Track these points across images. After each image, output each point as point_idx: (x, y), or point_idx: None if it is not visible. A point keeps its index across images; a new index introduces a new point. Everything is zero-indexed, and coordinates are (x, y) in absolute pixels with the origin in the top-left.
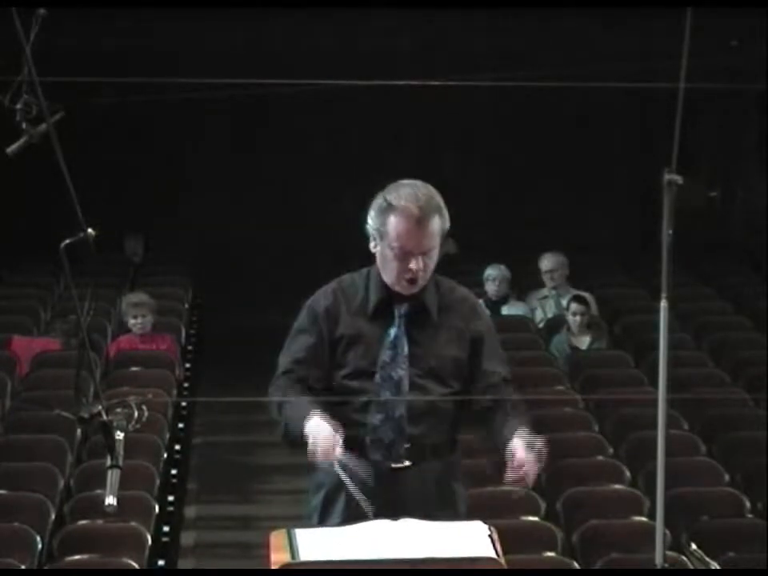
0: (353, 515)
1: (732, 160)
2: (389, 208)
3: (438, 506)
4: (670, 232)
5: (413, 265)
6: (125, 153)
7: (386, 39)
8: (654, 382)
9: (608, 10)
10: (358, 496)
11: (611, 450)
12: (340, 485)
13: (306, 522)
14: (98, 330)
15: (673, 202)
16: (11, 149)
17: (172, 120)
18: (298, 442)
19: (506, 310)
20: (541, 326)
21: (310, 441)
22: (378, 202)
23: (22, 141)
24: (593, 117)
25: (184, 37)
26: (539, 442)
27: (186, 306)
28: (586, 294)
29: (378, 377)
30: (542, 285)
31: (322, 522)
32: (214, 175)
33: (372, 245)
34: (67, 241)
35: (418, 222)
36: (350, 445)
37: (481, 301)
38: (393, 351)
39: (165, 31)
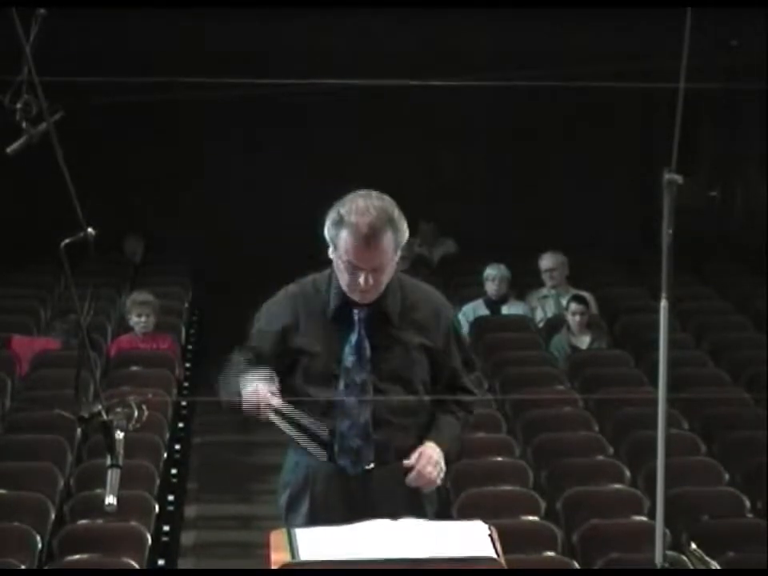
0: (317, 516)
1: (732, 160)
2: (340, 222)
3: (403, 506)
4: (670, 232)
5: (361, 280)
6: (125, 153)
7: (386, 39)
8: (654, 382)
9: (608, 9)
10: (311, 426)
11: (611, 450)
12: (304, 484)
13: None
14: (98, 330)
15: (673, 202)
16: (11, 149)
17: (173, 120)
18: (234, 398)
19: (505, 310)
20: (541, 325)
21: (245, 391)
22: (332, 214)
23: (21, 141)
24: (593, 116)
25: (185, 36)
26: (442, 466)
27: (186, 305)
28: (586, 294)
29: (341, 382)
30: (542, 284)
31: (287, 521)
32: (214, 175)
33: (330, 250)
34: (67, 241)
35: (367, 239)
36: (319, 450)
37: (480, 302)
38: (355, 356)
39: (165, 31)
